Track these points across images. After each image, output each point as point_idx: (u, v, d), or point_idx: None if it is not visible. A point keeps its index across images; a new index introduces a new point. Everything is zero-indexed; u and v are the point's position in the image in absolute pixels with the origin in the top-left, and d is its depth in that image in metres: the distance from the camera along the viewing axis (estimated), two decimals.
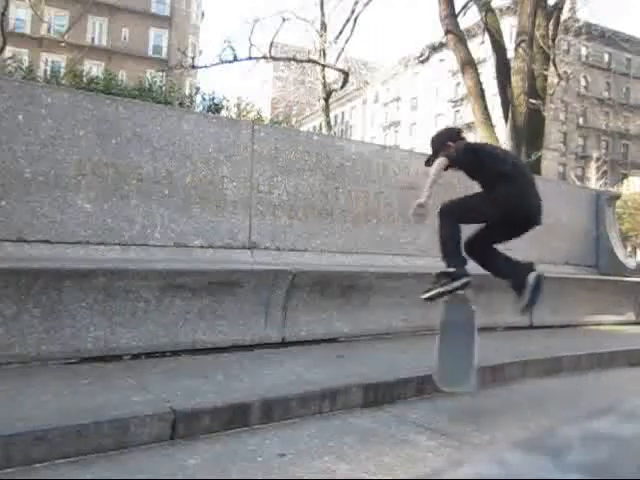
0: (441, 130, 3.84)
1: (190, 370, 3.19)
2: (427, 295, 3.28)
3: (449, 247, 3.33)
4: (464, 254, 3.37)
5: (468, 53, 10.38)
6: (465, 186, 6.09)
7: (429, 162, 3.53)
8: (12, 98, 3.56)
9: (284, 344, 4.06)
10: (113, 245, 3.87)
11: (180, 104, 11.26)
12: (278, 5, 47.66)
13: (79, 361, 3.23)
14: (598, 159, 37.77)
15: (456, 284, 3.20)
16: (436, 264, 5.44)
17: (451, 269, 3.23)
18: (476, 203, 3.41)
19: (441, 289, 3.22)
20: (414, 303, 4.83)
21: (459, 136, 3.58)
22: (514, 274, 3.41)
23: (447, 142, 3.47)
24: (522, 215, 3.43)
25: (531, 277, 3.33)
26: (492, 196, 3.32)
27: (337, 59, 18.12)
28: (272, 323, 4.04)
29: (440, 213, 3.39)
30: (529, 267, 3.41)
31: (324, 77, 17.84)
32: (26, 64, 15.74)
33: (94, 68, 24.82)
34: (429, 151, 3.61)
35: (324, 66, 17.27)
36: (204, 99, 12.48)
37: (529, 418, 3.08)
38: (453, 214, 3.36)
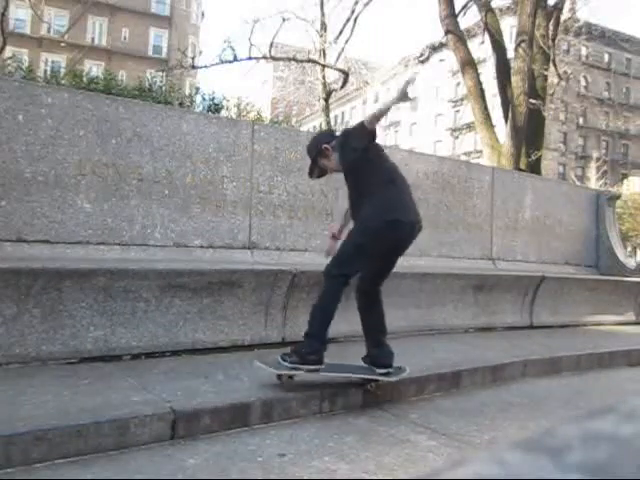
0: (313, 135, 3.42)
1: (190, 370, 3.19)
2: (278, 372, 2.98)
3: (315, 324, 3.00)
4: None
5: (468, 53, 10.37)
6: (464, 186, 6.11)
7: (311, 173, 3.30)
8: (12, 98, 3.56)
9: (284, 344, 4.05)
10: (113, 245, 3.87)
11: (180, 104, 11.25)
12: (278, 5, 47.68)
13: (79, 361, 3.23)
14: (598, 159, 37.75)
15: (303, 369, 2.93)
16: (435, 263, 5.45)
17: (305, 351, 2.94)
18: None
19: (290, 371, 2.96)
20: (413, 303, 4.84)
21: (333, 137, 3.28)
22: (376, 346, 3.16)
23: (322, 145, 3.19)
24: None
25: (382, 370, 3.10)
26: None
27: (337, 59, 18.10)
28: (272, 323, 4.04)
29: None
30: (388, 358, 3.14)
31: (324, 77, 17.82)
32: (26, 64, 15.72)
33: (94, 68, 24.81)
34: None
35: (324, 66, 17.26)
36: (204, 99, 12.45)
37: (529, 418, 3.09)
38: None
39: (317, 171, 3.29)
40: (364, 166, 3.02)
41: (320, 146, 3.18)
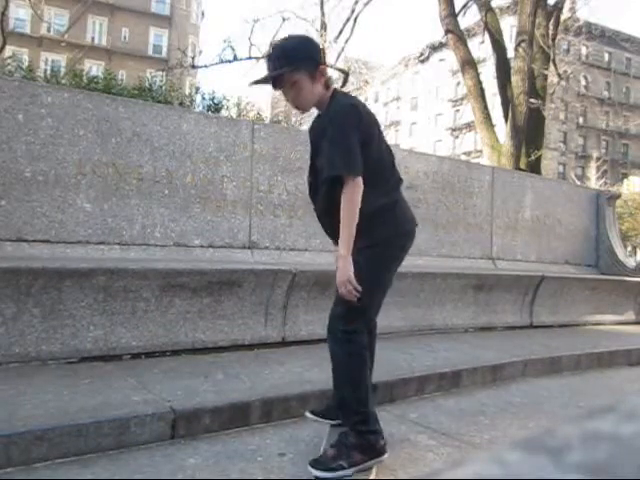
0: (297, 38, 2.30)
1: (190, 370, 3.19)
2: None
3: (357, 394, 2.15)
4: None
5: (468, 53, 10.38)
6: (464, 186, 6.11)
7: (278, 85, 2.13)
8: (12, 98, 3.56)
9: (284, 344, 4.06)
10: (113, 245, 3.87)
11: (180, 103, 11.24)
12: (278, 5, 47.72)
13: (79, 361, 3.23)
14: (598, 159, 37.81)
15: (371, 463, 2.14)
16: (433, 263, 5.45)
17: (370, 435, 2.14)
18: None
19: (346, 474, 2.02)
20: (412, 302, 4.84)
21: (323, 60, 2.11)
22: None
23: (312, 58, 2.09)
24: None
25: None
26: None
27: (337, 59, 18.09)
28: (272, 323, 4.04)
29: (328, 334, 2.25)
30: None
31: None
32: (26, 63, 15.73)
33: (94, 68, 24.84)
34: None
35: None
36: (204, 98, 12.45)
37: (529, 418, 3.09)
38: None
39: (279, 86, 2.13)
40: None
41: (316, 59, 2.10)
